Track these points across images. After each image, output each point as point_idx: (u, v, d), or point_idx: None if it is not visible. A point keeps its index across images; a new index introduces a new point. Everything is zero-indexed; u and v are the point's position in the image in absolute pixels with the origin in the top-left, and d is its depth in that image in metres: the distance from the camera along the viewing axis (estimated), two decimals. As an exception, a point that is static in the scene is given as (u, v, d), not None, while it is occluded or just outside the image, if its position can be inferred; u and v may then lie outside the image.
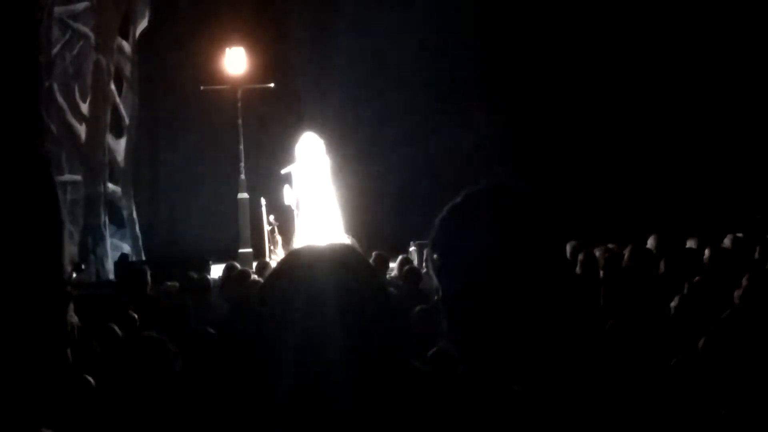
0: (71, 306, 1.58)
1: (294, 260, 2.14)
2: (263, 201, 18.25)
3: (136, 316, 9.30)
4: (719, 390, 5.09)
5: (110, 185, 19.51)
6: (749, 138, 20.80)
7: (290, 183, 17.77)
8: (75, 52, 18.78)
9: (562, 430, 2.05)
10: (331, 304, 2.02)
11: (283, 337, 2.01)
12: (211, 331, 7.42)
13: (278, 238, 18.04)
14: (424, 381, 2.11)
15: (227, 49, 20.29)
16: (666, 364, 5.85)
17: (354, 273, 2.09)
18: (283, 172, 17.93)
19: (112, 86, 19.70)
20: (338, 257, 2.12)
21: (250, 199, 19.19)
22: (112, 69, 19.54)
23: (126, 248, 19.51)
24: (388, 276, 13.11)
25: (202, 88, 20.41)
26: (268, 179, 18.80)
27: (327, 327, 2.01)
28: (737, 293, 8.10)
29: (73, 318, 7.83)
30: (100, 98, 19.15)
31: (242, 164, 19.64)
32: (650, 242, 12.19)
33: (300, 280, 2.06)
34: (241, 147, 19.72)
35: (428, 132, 21.29)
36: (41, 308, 1.49)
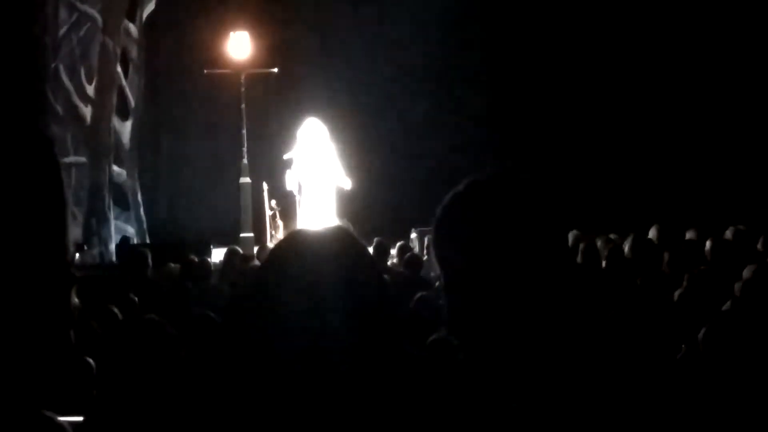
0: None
1: (289, 244, 2.16)
2: (265, 186, 18.25)
3: (136, 298, 9.30)
4: (720, 382, 5.10)
5: (115, 168, 19.51)
6: (750, 129, 20.78)
7: (292, 168, 17.76)
8: (82, 33, 18.77)
9: (561, 420, 2.05)
10: (326, 286, 2.04)
11: (280, 320, 2.02)
12: (211, 314, 7.43)
13: (279, 222, 18.06)
14: (420, 366, 2.12)
15: (231, 33, 20.27)
16: (666, 355, 5.86)
17: (348, 255, 2.10)
18: (285, 157, 17.92)
19: (119, 68, 19.69)
20: (333, 240, 2.13)
21: (252, 183, 19.19)
22: (119, 51, 19.53)
23: (131, 231, 19.54)
24: (389, 263, 13.12)
25: (205, 71, 20.40)
26: (271, 164, 18.80)
27: (322, 308, 2.02)
28: (738, 285, 8.10)
29: (74, 300, 7.84)
30: (107, 80, 19.14)
31: (245, 149, 19.65)
32: (652, 233, 12.19)
33: (295, 263, 2.07)
34: (244, 131, 19.72)
35: (431, 119, 21.28)
36: (45, 290, 1.50)
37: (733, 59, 21.00)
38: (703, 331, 5.51)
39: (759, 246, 11.24)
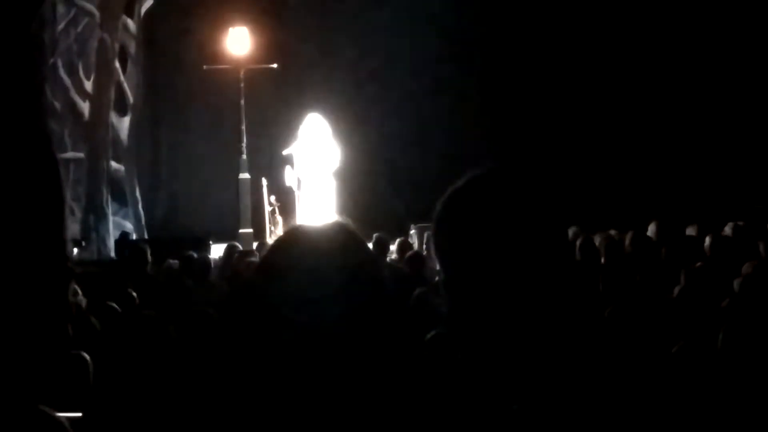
0: (74, 285, 1.58)
1: (289, 239, 2.15)
2: (264, 181, 18.24)
3: (135, 294, 9.30)
4: (720, 380, 5.09)
5: (113, 163, 19.50)
6: (750, 126, 20.77)
7: (291, 164, 17.75)
8: (80, 29, 18.77)
9: (561, 419, 2.05)
10: (326, 281, 2.03)
11: (279, 316, 2.01)
12: (211, 310, 7.42)
13: (279, 218, 18.04)
14: (420, 363, 2.11)
15: (230, 29, 20.24)
16: (665, 351, 5.85)
17: (348, 250, 2.09)
18: (284, 153, 17.92)
19: (117, 64, 19.67)
20: (333, 235, 2.12)
21: (251, 179, 19.18)
22: (117, 47, 19.51)
23: (129, 227, 19.52)
24: (388, 259, 13.11)
25: (205, 67, 20.37)
26: (270, 160, 18.79)
27: (322, 303, 2.01)
28: (737, 281, 8.10)
29: (80, 299, 7.80)
30: (105, 76, 19.12)
31: (244, 144, 19.63)
32: (651, 229, 12.19)
33: (295, 258, 2.07)
34: (243, 127, 19.70)
35: (431, 115, 21.27)
36: (43, 285, 1.49)
37: (732, 57, 21.00)
38: (702, 328, 5.51)
39: (759, 245, 11.23)
